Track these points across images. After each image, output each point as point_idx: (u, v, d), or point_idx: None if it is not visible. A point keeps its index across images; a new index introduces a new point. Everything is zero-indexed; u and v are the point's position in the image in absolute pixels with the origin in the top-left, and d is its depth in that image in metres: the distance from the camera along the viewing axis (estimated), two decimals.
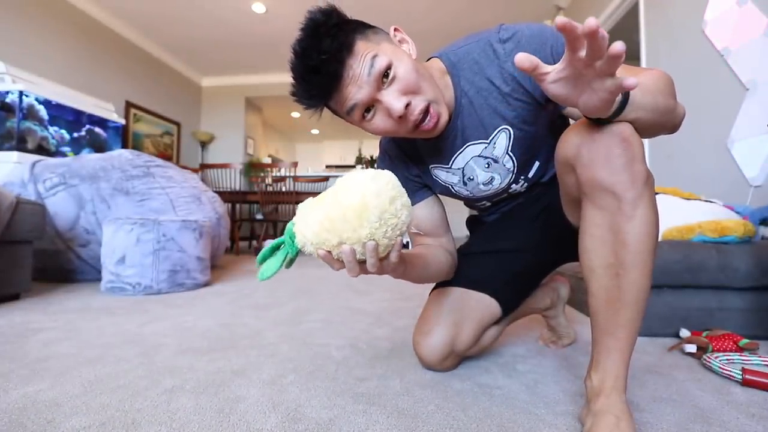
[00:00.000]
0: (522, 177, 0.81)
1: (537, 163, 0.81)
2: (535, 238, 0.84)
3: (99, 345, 1.00)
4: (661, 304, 1.13)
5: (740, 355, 0.90)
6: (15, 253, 1.53)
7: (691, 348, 0.95)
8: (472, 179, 0.81)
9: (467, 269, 0.86)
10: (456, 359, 0.84)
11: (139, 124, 4.62)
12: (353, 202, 0.47)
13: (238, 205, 4.58)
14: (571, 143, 0.58)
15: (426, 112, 0.65)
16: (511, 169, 0.78)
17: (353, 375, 0.82)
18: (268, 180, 3.97)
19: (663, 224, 1.25)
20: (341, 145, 9.13)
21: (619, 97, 0.51)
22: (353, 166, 7.54)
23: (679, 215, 1.26)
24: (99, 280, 1.96)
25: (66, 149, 3.03)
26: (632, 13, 2.69)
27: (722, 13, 1.78)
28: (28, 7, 3.29)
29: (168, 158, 5.12)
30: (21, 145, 2.68)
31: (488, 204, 0.91)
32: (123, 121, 3.62)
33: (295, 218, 0.55)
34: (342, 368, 0.86)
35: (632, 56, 3.41)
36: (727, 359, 0.89)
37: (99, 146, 3.34)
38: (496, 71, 0.70)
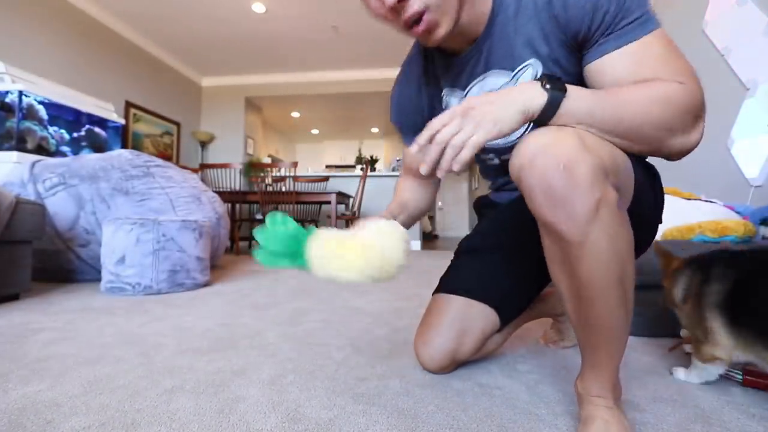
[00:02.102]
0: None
1: None
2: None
3: (99, 345, 1.00)
4: (662, 304, 1.12)
5: None
6: (14, 253, 1.53)
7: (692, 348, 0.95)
8: None
9: (470, 273, 0.84)
10: (457, 365, 0.83)
11: (138, 124, 4.62)
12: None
13: (237, 205, 4.58)
14: (514, 161, 0.51)
15: (420, 15, 0.58)
16: None
17: (353, 375, 0.82)
18: (268, 180, 3.97)
19: (663, 224, 1.25)
20: (341, 145, 9.13)
21: (543, 100, 0.50)
22: (353, 166, 7.55)
23: (680, 215, 1.26)
24: (99, 280, 1.96)
25: (66, 149, 3.03)
26: None
27: (723, 12, 1.78)
28: (27, 7, 3.29)
29: (168, 158, 5.12)
30: (20, 145, 2.68)
31: (496, 161, 0.83)
32: (123, 121, 3.62)
33: (314, 250, 0.61)
34: (342, 368, 0.86)
35: None
36: None
37: (99, 146, 3.34)
38: (543, 2, 0.61)
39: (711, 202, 1.32)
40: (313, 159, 9.35)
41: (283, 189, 3.83)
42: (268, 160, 7.35)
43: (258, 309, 1.44)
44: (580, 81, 0.64)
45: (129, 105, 4.45)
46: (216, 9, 4.01)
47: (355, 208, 4.27)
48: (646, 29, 0.56)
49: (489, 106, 0.51)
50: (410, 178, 0.91)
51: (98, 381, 0.77)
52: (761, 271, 0.68)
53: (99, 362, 0.87)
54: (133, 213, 2.00)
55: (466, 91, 0.74)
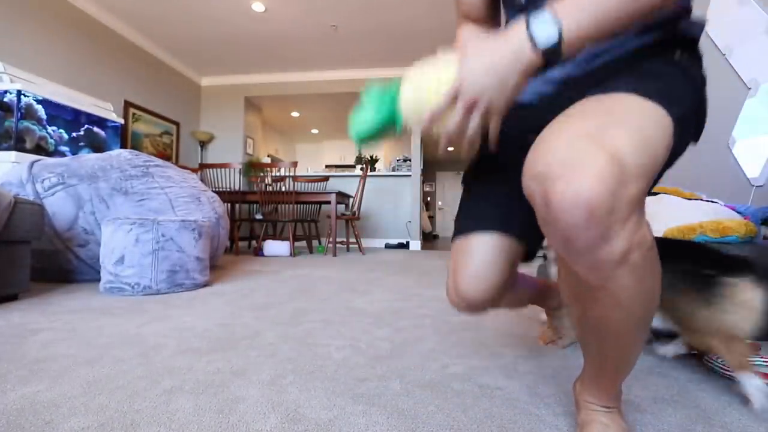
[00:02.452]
0: None
1: None
2: None
3: (98, 345, 0.99)
4: None
5: None
6: (13, 253, 1.52)
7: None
8: None
9: (485, 208, 0.74)
10: (492, 297, 0.70)
11: (138, 124, 4.61)
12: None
13: (237, 205, 4.57)
14: (527, 167, 0.43)
15: None
16: None
17: (353, 375, 0.82)
18: (268, 180, 3.97)
19: (665, 224, 1.25)
20: (341, 144, 9.12)
21: (550, 32, 0.43)
22: (353, 166, 7.53)
23: (681, 215, 1.25)
24: (98, 280, 1.96)
25: (64, 149, 3.02)
26: None
27: (724, 12, 1.78)
28: (26, 6, 3.29)
29: (167, 158, 5.11)
30: (19, 145, 2.67)
31: None
32: (122, 121, 3.61)
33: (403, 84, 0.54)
34: (342, 369, 0.85)
35: None
36: None
37: (98, 146, 3.34)
38: None
39: (712, 201, 1.32)
40: (313, 159, 9.34)
41: (283, 189, 3.82)
42: (267, 160, 7.34)
43: (258, 309, 1.44)
44: None
45: (128, 104, 4.45)
46: (215, 8, 4.00)
47: (355, 208, 4.27)
48: None
49: (486, 80, 0.48)
50: (470, 24, 0.79)
51: (97, 381, 0.77)
52: None
53: (98, 363, 0.87)
54: (133, 213, 2.00)
55: None
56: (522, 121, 0.66)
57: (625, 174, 0.38)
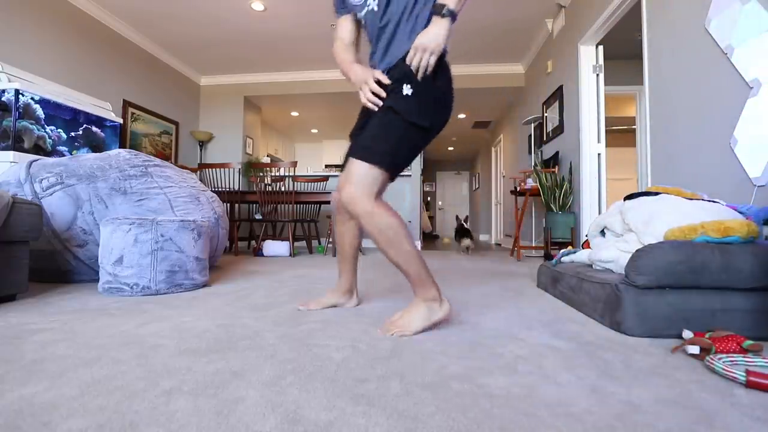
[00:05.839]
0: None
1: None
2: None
3: (96, 346, 0.99)
4: (664, 305, 1.12)
5: (744, 357, 0.89)
6: (11, 253, 1.52)
7: (695, 349, 0.94)
8: None
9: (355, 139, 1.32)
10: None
11: (137, 124, 4.60)
12: None
13: (236, 205, 4.56)
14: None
15: None
16: None
17: (353, 376, 0.81)
18: (267, 180, 3.96)
19: (666, 224, 1.25)
20: (341, 144, 9.11)
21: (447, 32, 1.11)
22: None
23: (682, 215, 1.25)
24: (96, 280, 1.95)
25: (63, 148, 3.02)
26: (635, 11, 2.69)
27: (726, 10, 1.78)
28: (24, 5, 3.28)
29: (166, 158, 5.10)
30: (17, 145, 2.67)
31: (374, 6, 1.24)
32: (121, 120, 3.61)
33: None
34: (342, 369, 0.85)
35: (635, 55, 3.42)
36: (731, 361, 0.88)
37: (96, 146, 3.33)
38: None
39: (714, 201, 1.32)
40: (313, 158, 9.33)
41: (283, 189, 3.82)
42: (267, 160, 7.34)
43: (257, 310, 1.43)
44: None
45: (127, 104, 4.44)
46: (215, 7, 3.99)
47: None
48: None
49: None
50: (343, 44, 1.44)
51: (96, 382, 0.76)
52: None
53: (97, 363, 0.87)
54: (131, 213, 1.99)
55: None
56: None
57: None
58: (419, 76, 1.12)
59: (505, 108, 6.39)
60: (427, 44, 1.09)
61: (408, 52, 1.15)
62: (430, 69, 1.11)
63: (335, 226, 1.42)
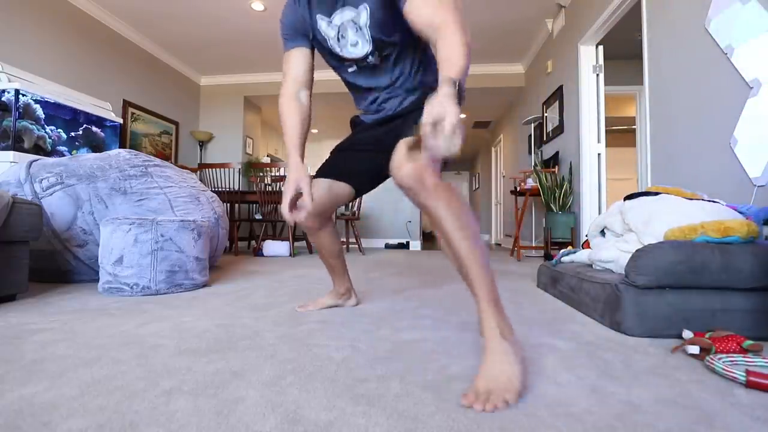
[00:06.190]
0: (377, 52, 1.09)
1: (394, 55, 1.10)
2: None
3: (96, 346, 0.99)
4: (664, 305, 1.12)
5: (744, 357, 0.89)
6: (11, 253, 1.52)
7: (694, 349, 0.94)
8: (344, 38, 1.09)
9: (337, 163, 1.28)
10: (319, 211, 1.26)
11: (137, 124, 4.60)
12: None
13: (236, 205, 4.56)
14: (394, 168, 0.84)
15: None
16: (369, 40, 1.07)
17: (353, 376, 0.81)
18: (267, 180, 3.96)
19: (666, 224, 1.25)
20: None
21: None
22: None
23: (682, 215, 1.25)
24: (96, 280, 1.95)
25: (63, 148, 3.02)
26: (635, 11, 2.69)
27: (726, 10, 1.78)
28: (24, 5, 3.28)
29: (166, 158, 5.10)
30: (17, 145, 2.67)
31: (355, 68, 1.16)
32: (121, 121, 3.61)
33: None
34: (342, 369, 0.85)
35: (635, 55, 3.42)
36: (731, 361, 0.88)
37: (96, 146, 3.33)
38: None
39: (714, 201, 1.32)
40: (313, 158, 9.32)
41: (283, 189, 3.82)
42: (267, 160, 7.33)
43: (257, 310, 1.43)
44: (408, 33, 1.00)
45: (127, 104, 4.44)
46: (215, 7, 3.99)
47: (355, 208, 4.26)
48: None
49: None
50: (294, 85, 1.21)
51: (96, 382, 0.76)
52: None
53: (97, 363, 0.86)
54: (131, 213, 1.99)
55: (331, 18, 1.09)
56: (371, 129, 1.26)
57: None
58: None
59: (505, 108, 6.39)
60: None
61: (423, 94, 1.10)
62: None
63: (311, 238, 1.37)
